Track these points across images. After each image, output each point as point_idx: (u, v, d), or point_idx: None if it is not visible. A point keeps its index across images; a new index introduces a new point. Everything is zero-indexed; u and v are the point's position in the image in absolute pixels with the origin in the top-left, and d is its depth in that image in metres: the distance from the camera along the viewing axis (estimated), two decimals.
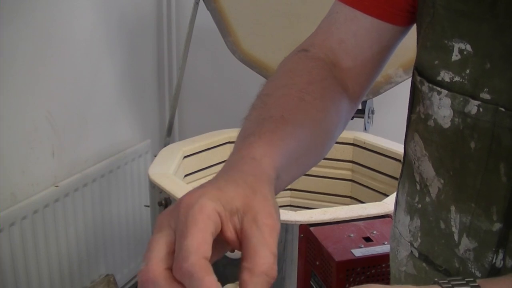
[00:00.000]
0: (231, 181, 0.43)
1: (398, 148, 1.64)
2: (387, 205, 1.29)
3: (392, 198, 1.34)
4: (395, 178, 1.63)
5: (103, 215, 1.91)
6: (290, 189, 1.83)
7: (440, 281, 0.45)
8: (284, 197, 1.83)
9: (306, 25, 1.72)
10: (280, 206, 1.80)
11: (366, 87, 0.67)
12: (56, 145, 1.71)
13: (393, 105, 1.84)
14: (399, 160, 1.62)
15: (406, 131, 0.65)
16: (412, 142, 0.63)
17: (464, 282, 0.44)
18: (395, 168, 1.63)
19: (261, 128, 0.51)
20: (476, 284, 0.44)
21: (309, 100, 0.57)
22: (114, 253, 1.99)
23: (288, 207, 1.84)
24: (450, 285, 0.44)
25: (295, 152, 0.52)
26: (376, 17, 0.62)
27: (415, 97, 0.61)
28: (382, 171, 1.67)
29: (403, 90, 1.61)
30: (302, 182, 1.78)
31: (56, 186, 1.70)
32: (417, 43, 0.61)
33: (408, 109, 0.64)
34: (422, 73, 0.58)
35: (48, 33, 1.64)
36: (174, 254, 0.39)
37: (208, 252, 0.38)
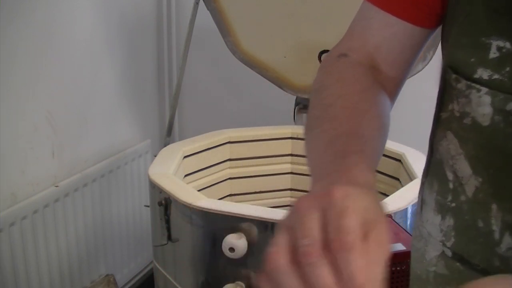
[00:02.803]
0: (365, 192, 0.46)
1: (398, 148, 1.64)
2: (387, 205, 1.29)
3: (392, 198, 1.34)
4: (395, 178, 1.63)
5: (103, 215, 1.91)
6: (291, 189, 1.83)
7: None
8: (284, 197, 1.82)
9: (306, 25, 1.73)
10: (281, 206, 1.79)
11: (400, 87, 0.70)
12: (56, 145, 1.71)
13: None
14: (399, 160, 1.61)
15: (435, 130, 0.65)
16: (444, 141, 0.62)
17: None
18: (395, 168, 1.63)
19: (355, 147, 0.54)
20: None
21: (368, 109, 0.60)
22: (114, 253, 1.99)
23: (289, 207, 1.83)
24: None
25: (375, 167, 0.57)
26: (409, 22, 0.63)
27: (446, 95, 0.61)
28: (382, 171, 1.67)
29: (403, 90, 1.61)
30: (303, 182, 1.78)
31: (56, 186, 1.70)
32: (443, 41, 0.62)
33: (436, 107, 0.64)
34: (457, 70, 0.58)
35: (48, 33, 1.64)
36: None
37: None
